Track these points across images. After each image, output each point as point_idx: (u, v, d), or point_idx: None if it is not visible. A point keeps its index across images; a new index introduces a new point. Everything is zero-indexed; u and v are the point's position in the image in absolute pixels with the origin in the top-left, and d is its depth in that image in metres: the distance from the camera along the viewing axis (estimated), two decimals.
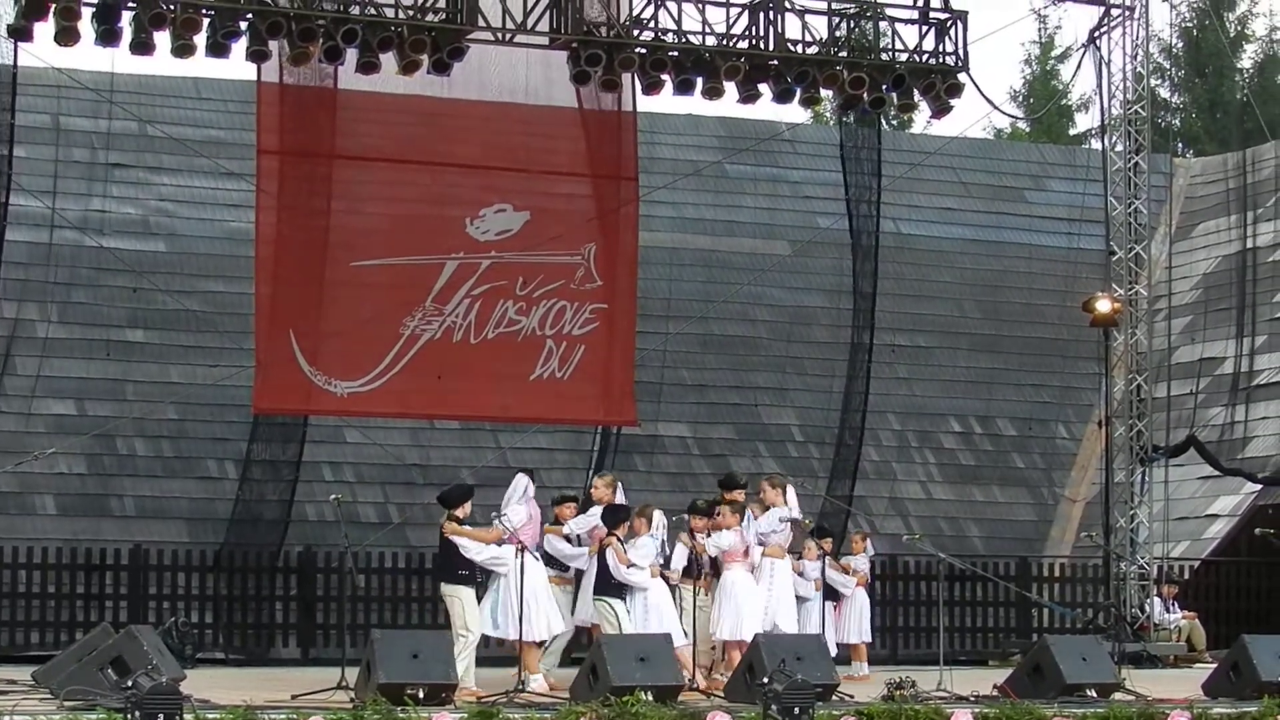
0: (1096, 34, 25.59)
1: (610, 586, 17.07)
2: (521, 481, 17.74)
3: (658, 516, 17.67)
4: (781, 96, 19.96)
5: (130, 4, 17.58)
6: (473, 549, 16.57)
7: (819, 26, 19.98)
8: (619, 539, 17.10)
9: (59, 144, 26.25)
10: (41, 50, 19.08)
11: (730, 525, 17.76)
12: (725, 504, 18.03)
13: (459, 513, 16.71)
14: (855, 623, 21.11)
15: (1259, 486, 27.36)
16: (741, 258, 29.44)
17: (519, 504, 17.46)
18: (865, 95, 20.05)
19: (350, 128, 20.31)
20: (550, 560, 18.07)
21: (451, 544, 16.62)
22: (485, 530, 16.74)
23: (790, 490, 18.71)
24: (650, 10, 19.49)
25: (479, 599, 16.86)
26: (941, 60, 20.26)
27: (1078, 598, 26.89)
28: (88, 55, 18.83)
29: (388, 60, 18.42)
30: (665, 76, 19.45)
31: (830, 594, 20.61)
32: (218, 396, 24.24)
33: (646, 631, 16.52)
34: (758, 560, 18.10)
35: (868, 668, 20.85)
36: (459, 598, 16.65)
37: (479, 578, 16.88)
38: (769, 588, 18.16)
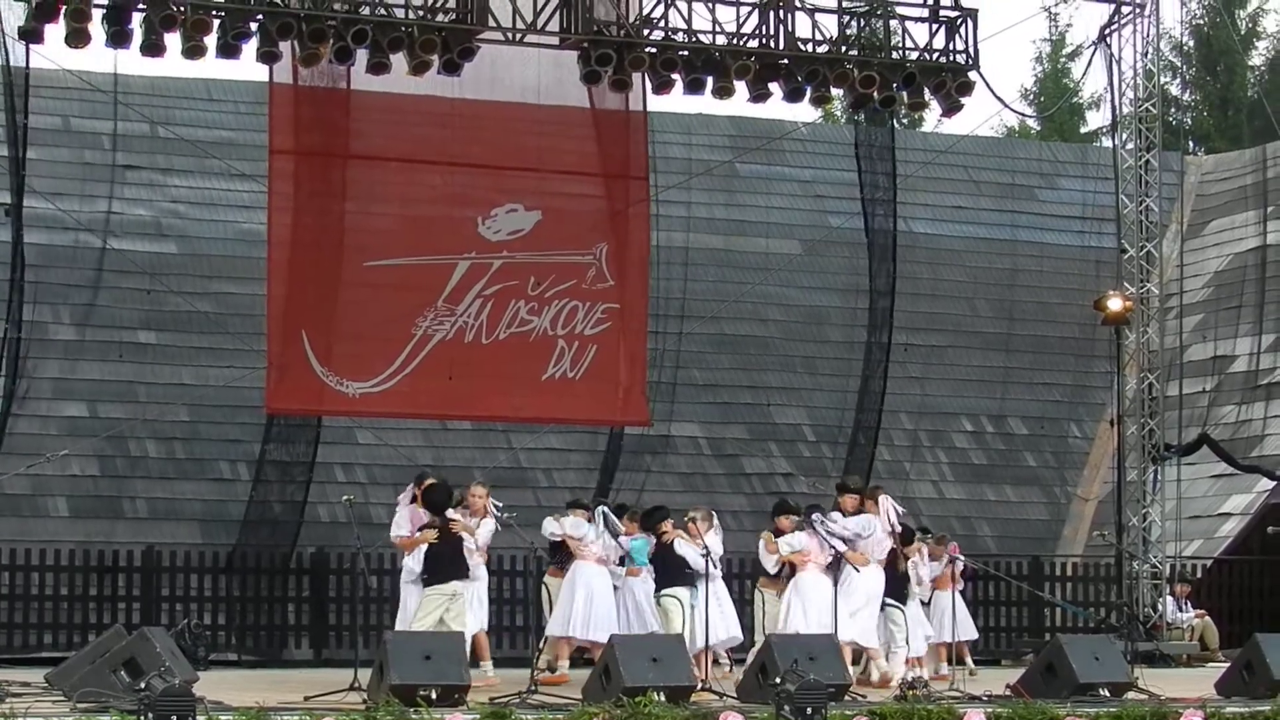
0: (1107, 31, 25.58)
1: (679, 577, 17.31)
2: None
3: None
4: (792, 95, 19.94)
5: (140, 6, 17.56)
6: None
7: (829, 25, 19.97)
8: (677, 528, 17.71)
9: (70, 146, 26.30)
10: (52, 52, 19.12)
11: (801, 528, 17.91)
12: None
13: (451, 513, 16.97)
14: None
15: (1271, 485, 27.32)
16: (753, 257, 29.43)
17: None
18: (876, 94, 20.02)
19: (363, 128, 20.31)
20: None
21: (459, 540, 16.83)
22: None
23: (886, 499, 18.90)
24: (660, 10, 19.46)
25: None
26: (952, 58, 20.23)
27: (1090, 597, 26.88)
28: (99, 57, 18.85)
29: (398, 61, 18.42)
30: (675, 76, 19.43)
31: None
32: (230, 398, 24.26)
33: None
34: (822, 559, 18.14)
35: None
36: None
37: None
38: (849, 593, 18.12)
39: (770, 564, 18.21)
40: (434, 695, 13.93)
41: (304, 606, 23.76)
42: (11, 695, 14.33)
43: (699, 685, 15.53)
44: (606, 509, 18.84)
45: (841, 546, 17.74)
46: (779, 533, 18.18)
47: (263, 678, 18.69)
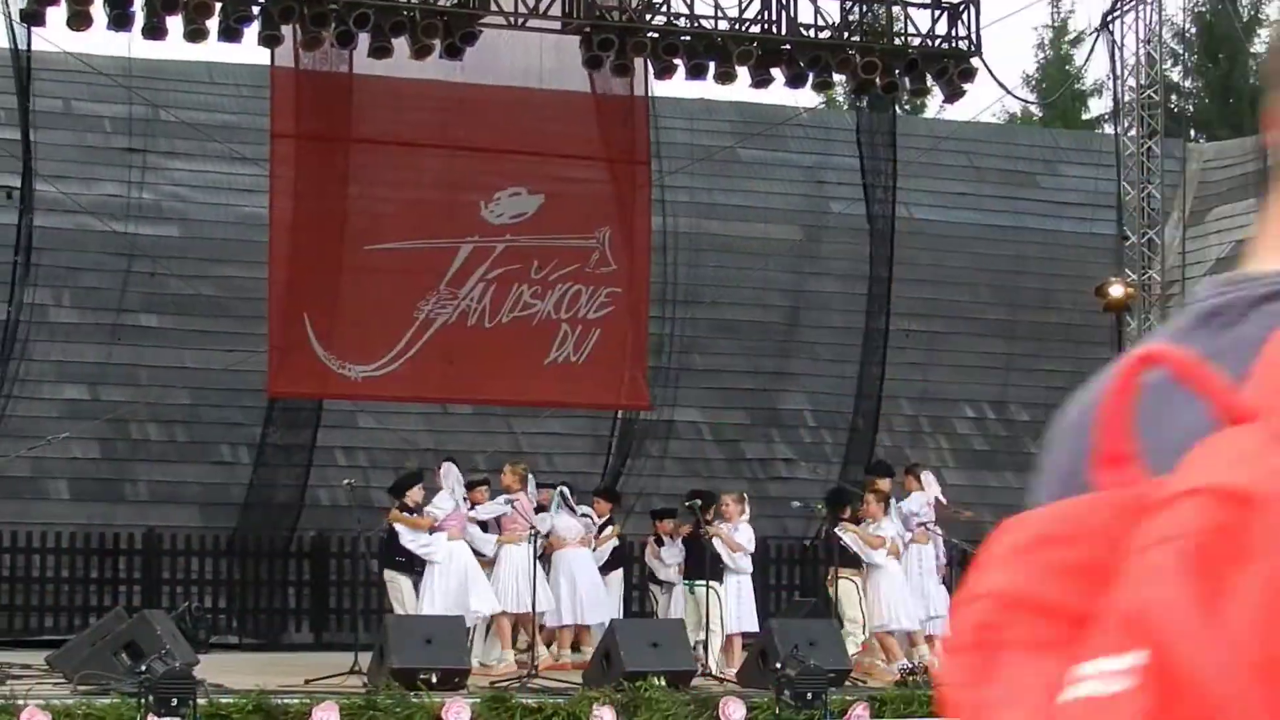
0: (1110, 18, 25.57)
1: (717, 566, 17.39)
2: (451, 471, 17.81)
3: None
4: (794, 81, 19.95)
5: None
6: (406, 535, 16.83)
7: (832, 10, 19.98)
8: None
9: (73, 129, 26.27)
10: (55, 35, 19.11)
11: (875, 516, 17.78)
12: (870, 493, 18.15)
13: (409, 499, 16.97)
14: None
15: None
16: (754, 242, 29.39)
17: (446, 492, 17.56)
18: (878, 80, 20.03)
19: (365, 112, 20.31)
20: None
21: (393, 531, 16.88)
22: (419, 518, 16.93)
23: (929, 475, 18.84)
24: None
25: (416, 587, 17.04)
26: (955, 44, 20.23)
27: None
28: (101, 40, 18.85)
29: (400, 45, 18.41)
30: (678, 61, 19.44)
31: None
32: (231, 381, 24.25)
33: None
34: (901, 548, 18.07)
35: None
36: (397, 584, 16.93)
37: (416, 566, 17.10)
38: (919, 573, 18.13)
39: (879, 557, 17.78)
40: (434, 679, 13.95)
41: (304, 590, 23.79)
42: (12, 678, 14.35)
43: (699, 670, 15.55)
44: (566, 490, 18.91)
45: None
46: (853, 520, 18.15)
47: (263, 661, 18.68)
